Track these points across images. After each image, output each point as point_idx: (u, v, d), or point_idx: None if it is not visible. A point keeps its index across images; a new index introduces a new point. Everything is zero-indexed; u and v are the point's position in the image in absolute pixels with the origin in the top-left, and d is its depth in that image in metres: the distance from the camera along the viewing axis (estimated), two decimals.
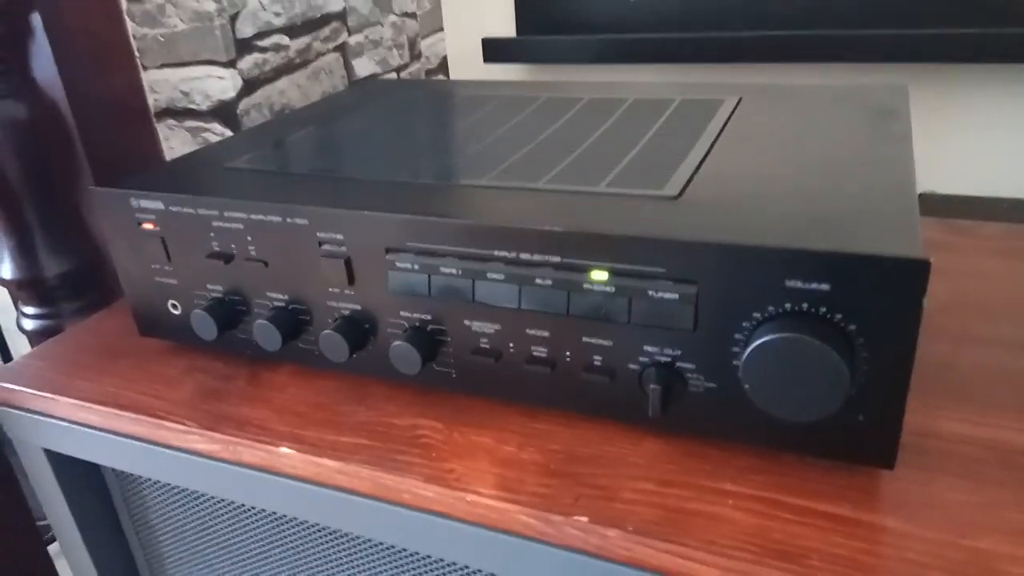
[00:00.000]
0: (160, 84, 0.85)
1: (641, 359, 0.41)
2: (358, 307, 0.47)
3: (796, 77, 0.93)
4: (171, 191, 0.49)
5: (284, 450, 0.45)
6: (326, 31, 0.93)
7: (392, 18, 1.05)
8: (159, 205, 0.49)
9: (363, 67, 1.01)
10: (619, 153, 0.49)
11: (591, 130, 0.54)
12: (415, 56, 1.11)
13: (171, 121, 0.86)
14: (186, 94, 0.84)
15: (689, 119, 0.55)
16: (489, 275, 0.42)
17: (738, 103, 0.58)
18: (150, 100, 0.86)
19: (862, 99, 0.56)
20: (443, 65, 1.18)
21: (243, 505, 0.54)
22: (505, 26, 1.10)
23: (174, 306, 0.53)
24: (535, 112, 0.60)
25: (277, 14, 0.86)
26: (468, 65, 1.16)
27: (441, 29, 1.16)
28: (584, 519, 0.38)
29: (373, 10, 1.01)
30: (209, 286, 0.51)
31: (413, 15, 1.09)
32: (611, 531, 0.38)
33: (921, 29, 0.82)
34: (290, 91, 0.89)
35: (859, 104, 0.55)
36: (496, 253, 0.41)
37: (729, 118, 0.55)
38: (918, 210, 0.39)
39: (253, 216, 0.47)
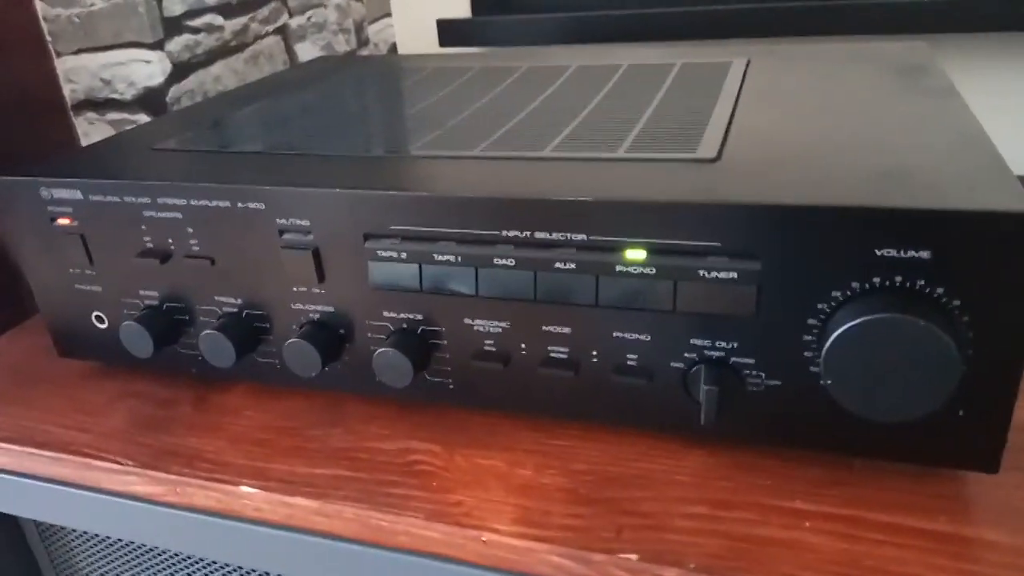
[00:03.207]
0: (77, 72, 0.75)
1: (687, 355, 0.33)
2: (330, 309, 0.38)
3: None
4: (90, 177, 0.40)
5: (245, 489, 0.37)
6: (264, 11, 0.84)
7: (336, 0, 0.96)
8: (76, 195, 0.40)
9: (306, 52, 0.92)
10: (629, 118, 0.42)
11: (588, 97, 0.47)
12: (362, 42, 1.03)
13: (91, 114, 0.76)
14: (107, 82, 0.74)
15: (698, 81, 0.48)
16: (496, 260, 0.34)
17: (748, 64, 0.52)
18: (66, 91, 0.76)
19: (884, 57, 0.50)
20: (393, 52, 1.10)
21: (196, 558, 0.45)
22: (458, 7, 1.02)
23: (99, 319, 0.44)
24: (518, 82, 0.53)
25: None
26: (419, 51, 1.08)
27: (389, 14, 1.08)
28: (633, 557, 0.31)
29: None
30: (142, 292, 0.42)
31: None
32: (669, 571, 0.30)
33: None
34: (226, 77, 0.80)
35: (883, 61, 0.49)
36: (504, 233, 0.34)
37: (744, 78, 0.48)
38: (1007, 164, 0.32)
39: (194, 202, 0.38)
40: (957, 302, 0.29)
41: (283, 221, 0.37)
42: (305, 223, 0.37)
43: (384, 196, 0.35)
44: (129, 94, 0.74)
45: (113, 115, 0.76)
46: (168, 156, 0.43)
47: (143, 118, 0.74)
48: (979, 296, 0.29)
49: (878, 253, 0.29)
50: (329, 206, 0.36)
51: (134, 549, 0.47)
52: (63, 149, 0.75)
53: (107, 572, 0.49)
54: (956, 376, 0.28)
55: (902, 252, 0.29)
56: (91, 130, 0.77)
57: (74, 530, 0.48)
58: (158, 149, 0.44)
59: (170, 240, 0.40)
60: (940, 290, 0.29)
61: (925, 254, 0.28)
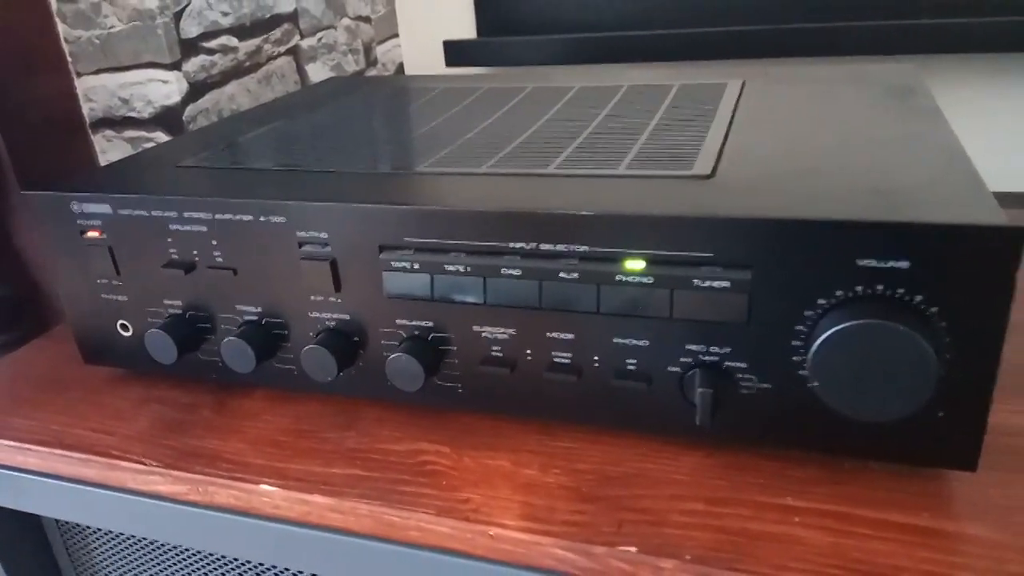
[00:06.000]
0: (96, 91, 0.77)
1: (683, 360, 0.35)
2: (346, 317, 0.40)
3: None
4: (118, 193, 0.42)
5: (264, 488, 0.39)
6: (277, 33, 0.87)
7: (346, 21, 0.99)
8: (105, 209, 0.43)
9: (317, 72, 0.94)
10: (629, 137, 0.44)
11: (590, 117, 0.49)
12: (371, 62, 1.05)
13: (109, 132, 0.79)
14: (125, 101, 0.77)
15: (695, 102, 0.50)
16: (503, 271, 0.36)
17: (743, 86, 0.54)
18: (85, 109, 0.78)
19: (874, 78, 0.53)
20: (400, 72, 1.12)
21: (217, 556, 0.47)
22: (463, 28, 1.05)
23: (124, 327, 0.46)
24: (523, 102, 0.55)
25: (224, 13, 0.79)
26: (426, 71, 1.11)
27: (396, 35, 1.10)
28: (632, 549, 0.33)
29: (326, 12, 0.95)
30: (166, 301, 0.44)
31: (367, 19, 1.04)
32: (667, 562, 0.32)
33: (891, 21, 0.80)
34: (240, 96, 0.82)
35: (873, 83, 0.52)
36: (511, 245, 0.36)
37: (739, 99, 0.50)
38: (983, 180, 0.34)
39: (219, 216, 0.40)
40: (935, 309, 0.31)
41: (302, 234, 0.39)
42: (323, 236, 0.39)
43: (398, 210, 0.37)
44: (146, 112, 0.76)
45: (131, 132, 0.78)
46: (192, 173, 0.45)
47: (160, 136, 0.77)
48: (955, 303, 0.31)
49: (860, 263, 0.31)
50: (346, 220, 0.38)
51: (154, 548, 0.49)
52: (82, 165, 0.77)
53: (125, 569, 0.51)
54: (934, 379, 0.30)
55: (883, 263, 0.31)
56: (108, 147, 0.80)
57: (94, 529, 0.50)
58: (182, 166, 0.47)
59: (194, 252, 0.42)
60: (919, 298, 0.31)
61: (904, 264, 0.31)
